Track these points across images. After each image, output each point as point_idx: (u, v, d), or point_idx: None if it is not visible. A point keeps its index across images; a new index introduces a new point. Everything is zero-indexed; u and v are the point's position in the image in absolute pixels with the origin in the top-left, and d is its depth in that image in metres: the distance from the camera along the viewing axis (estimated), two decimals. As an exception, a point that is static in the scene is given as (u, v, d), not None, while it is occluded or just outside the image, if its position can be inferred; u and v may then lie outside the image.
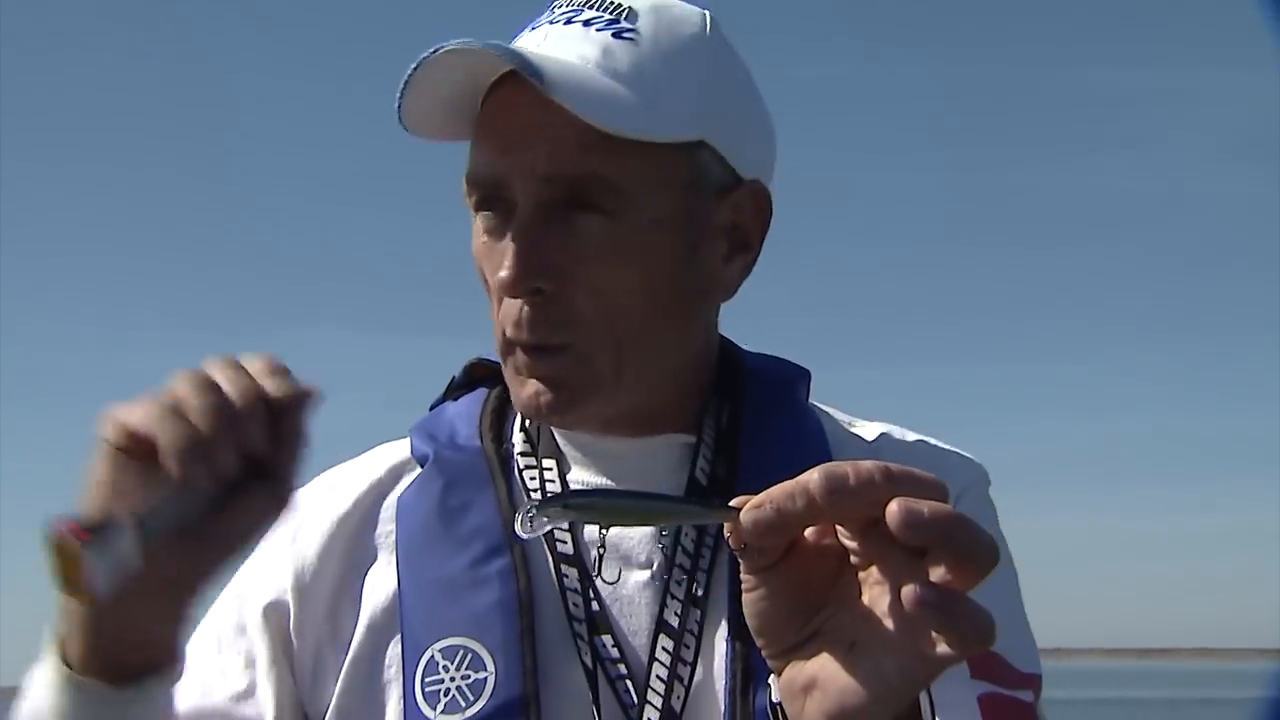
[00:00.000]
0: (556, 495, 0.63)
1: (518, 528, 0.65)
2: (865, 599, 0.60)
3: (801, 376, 0.97)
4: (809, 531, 0.61)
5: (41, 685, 0.73)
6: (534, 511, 0.64)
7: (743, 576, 0.62)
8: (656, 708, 0.81)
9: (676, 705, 0.81)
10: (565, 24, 0.85)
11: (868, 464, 0.57)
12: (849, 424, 0.97)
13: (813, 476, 0.57)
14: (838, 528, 0.60)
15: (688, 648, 0.83)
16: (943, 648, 0.56)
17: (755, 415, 0.92)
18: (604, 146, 0.80)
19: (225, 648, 0.91)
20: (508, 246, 0.82)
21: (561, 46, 0.84)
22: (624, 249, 0.83)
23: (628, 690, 0.82)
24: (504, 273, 0.81)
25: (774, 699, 0.64)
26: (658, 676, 0.82)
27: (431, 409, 0.98)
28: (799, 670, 0.61)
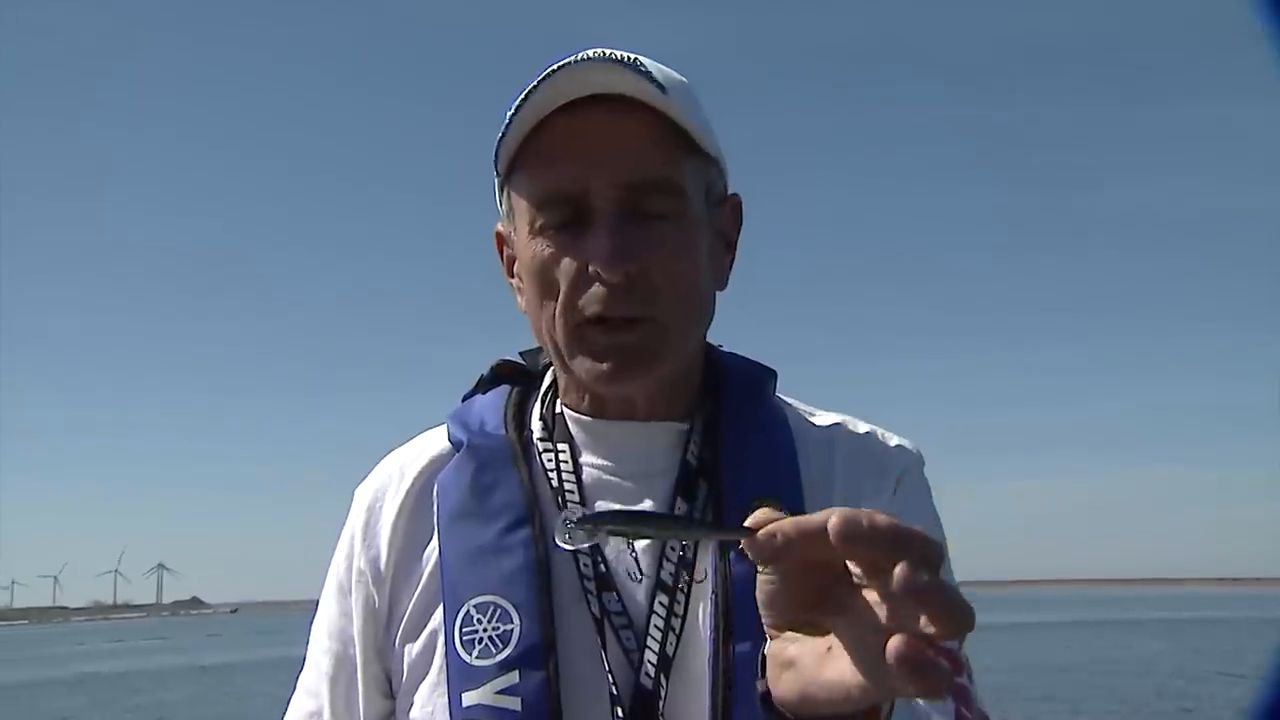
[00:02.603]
0: (590, 515, 0.73)
1: (557, 538, 0.77)
2: (855, 608, 0.64)
3: (769, 375, 1.12)
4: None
5: None
6: (571, 525, 0.74)
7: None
8: (654, 651, 0.96)
9: (670, 651, 0.96)
10: (604, 62, 0.95)
11: (881, 519, 0.61)
12: (809, 414, 1.12)
13: (830, 519, 0.62)
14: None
15: (679, 603, 0.98)
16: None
17: (734, 407, 1.07)
18: (672, 154, 0.98)
19: (331, 638, 1.08)
20: (597, 240, 0.96)
21: (618, 74, 0.95)
22: (685, 242, 1.00)
23: (630, 638, 0.97)
24: (600, 259, 0.96)
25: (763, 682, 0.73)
26: (655, 626, 0.97)
27: (463, 401, 1.15)
28: (784, 647, 0.70)
